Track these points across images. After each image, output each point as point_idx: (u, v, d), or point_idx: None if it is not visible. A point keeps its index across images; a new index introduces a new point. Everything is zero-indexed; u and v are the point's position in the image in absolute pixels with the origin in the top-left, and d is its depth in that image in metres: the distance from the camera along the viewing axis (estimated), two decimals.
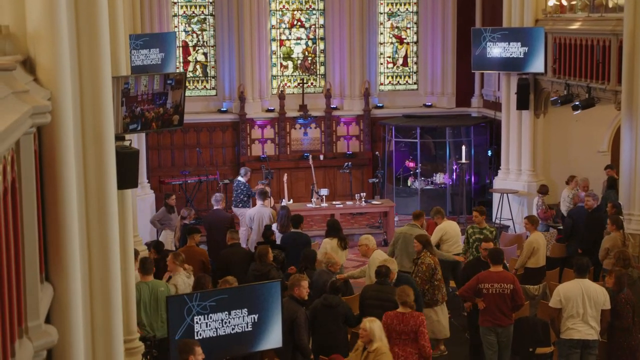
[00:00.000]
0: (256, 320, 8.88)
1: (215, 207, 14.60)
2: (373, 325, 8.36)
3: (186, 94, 20.37)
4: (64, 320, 4.64)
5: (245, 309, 8.85)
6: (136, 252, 10.72)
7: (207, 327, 8.66)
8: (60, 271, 4.66)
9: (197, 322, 8.61)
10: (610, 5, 15.71)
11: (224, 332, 8.74)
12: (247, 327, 8.85)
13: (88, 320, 5.16)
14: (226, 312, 8.75)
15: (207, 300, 8.68)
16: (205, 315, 8.64)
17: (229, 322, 8.76)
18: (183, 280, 10.64)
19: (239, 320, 8.82)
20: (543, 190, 16.11)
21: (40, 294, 4.34)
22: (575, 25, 16.45)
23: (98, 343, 5.22)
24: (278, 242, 13.03)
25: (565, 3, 17.37)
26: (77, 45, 5.08)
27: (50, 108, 4.24)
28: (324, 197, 17.33)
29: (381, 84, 21.70)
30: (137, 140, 16.21)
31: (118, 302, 5.38)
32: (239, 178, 16.53)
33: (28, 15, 4.64)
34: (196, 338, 8.55)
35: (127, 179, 8.39)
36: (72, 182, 4.67)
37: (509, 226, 18.10)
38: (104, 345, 5.24)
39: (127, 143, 8.60)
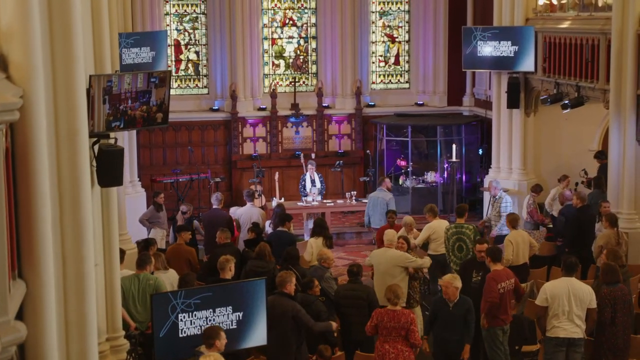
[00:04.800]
0: (241, 318, 8.91)
1: (214, 206, 14.65)
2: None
3: (178, 93, 20.68)
4: (36, 317, 4.66)
5: (230, 307, 8.88)
6: (122, 252, 10.80)
7: (191, 324, 8.69)
8: (33, 268, 4.67)
9: (181, 320, 8.63)
10: (600, 4, 15.71)
11: None
12: (232, 325, 8.88)
13: (62, 317, 5.17)
14: (211, 310, 8.78)
15: (192, 297, 8.71)
16: (190, 313, 8.67)
17: (214, 319, 8.78)
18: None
19: (224, 318, 8.84)
20: (536, 189, 16.10)
21: (11, 290, 4.35)
22: (565, 24, 16.46)
23: (72, 340, 5.24)
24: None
25: (555, 2, 17.38)
26: (51, 42, 5.09)
27: (19, 105, 4.24)
28: (314, 194, 17.35)
29: (373, 83, 21.72)
30: (129, 139, 16.24)
31: (92, 300, 5.39)
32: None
33: (0, 13, 4.64)
34: (180, 336, 8.61)
35: (111, 176, 8.39)
36: (44, 179, 4.69)
37: None
38: (78, 342, 5.25)
39: (112, 141, 8.60)
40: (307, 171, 17.67)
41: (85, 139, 5.34)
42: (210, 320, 8.76)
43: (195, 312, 8.69)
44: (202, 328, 8.66)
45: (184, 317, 8.64)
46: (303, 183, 17.60)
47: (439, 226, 13.35)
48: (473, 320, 9.99)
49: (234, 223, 14.34)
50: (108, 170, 8.29)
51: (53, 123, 5.08)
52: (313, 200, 17.26)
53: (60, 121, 5.12)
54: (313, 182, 17.56)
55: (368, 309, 10.05)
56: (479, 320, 10.49)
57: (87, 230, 5.30)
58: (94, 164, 8.13)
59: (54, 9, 5.09)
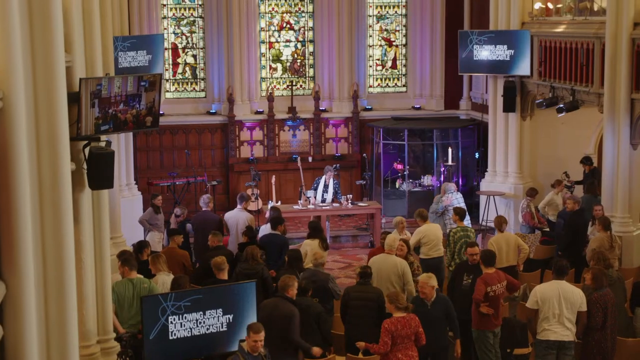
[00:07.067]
0: (231, 321, 8.93)
1: (203, 209, 14.64)
2: None
3: (176, 96, 20.72)
4: (16, 318, 4.68)
5: (220, 309, 8.90)
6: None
7: (181, 327, 8.71)
8: (13, 269, 4.70)
9: (171, 322, 8.65)
10: (595, 8, 15.74)
11: (199, 332, 8.80)
12: (222, 327, 8.91)
13: (42, 318, 5.20)
14: (201, 312, 8.80)
15: (182, 300, 8.73)
16: (180, 315, 8.68)
17: (204, 322, 8.82)
18: (163, 280, 10.70)
19: (214, 321, 8.87)
20: (531, 193, 16.12)
21: None
22: (560, 28, 16.49)
23: (53, 341, 5.26)
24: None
25: (551, 6, 17.41)
26: (31, 45, 5.10)
27: None
28: (310, 198, 17.35)
29: (370, 86, 21.75)
30: (125, 142, 16.30)
31: (73, 301, 5.42)
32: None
33: None
34: (170, 338, 8.63)
35: (102, 179, 8.41)
36: (24, 181, 4.71)
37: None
38: (59, 344, 5.27)
39: (102, 144, 8.62)
40: (324, 174, 17.67)
41: (66, 142, 5.36)
42: (200, 323, 8.80)
43: (185, 315, 8.72)
44: (192, 330, 8.71)
45: (174, 319, 8.66)
46: (315, 185, 17.60)
47: (429, 230, 13.33)
48: (455, 315, 9.96)
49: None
50: (98, 172, 8.31)
51: (33, 125, 5.11)
52: (311, 203, 17.24)
53: (40, 124, 5.14)
54: (326, 187, 17.58)
55: (378, 311, 10.01)
56: (469, 322, 10.52)
57: (67, 232, 5.32)
58: (85, 166, 8.17)
59: (34, 10, 5.10)
